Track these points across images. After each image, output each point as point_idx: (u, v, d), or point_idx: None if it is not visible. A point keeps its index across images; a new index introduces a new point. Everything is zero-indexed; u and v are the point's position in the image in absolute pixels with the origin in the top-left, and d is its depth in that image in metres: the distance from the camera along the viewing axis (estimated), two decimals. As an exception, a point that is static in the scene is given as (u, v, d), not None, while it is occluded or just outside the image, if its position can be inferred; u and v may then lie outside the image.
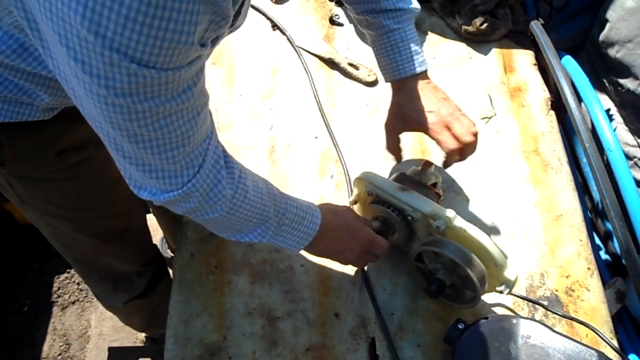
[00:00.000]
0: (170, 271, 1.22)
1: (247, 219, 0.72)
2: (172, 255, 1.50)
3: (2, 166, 0.79)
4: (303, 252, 0.91)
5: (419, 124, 0.86)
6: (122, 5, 0.46)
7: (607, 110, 1.18)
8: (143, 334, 1.60)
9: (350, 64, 1.13)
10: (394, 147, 0.93)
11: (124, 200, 0.97)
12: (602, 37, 1.17)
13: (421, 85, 0.88)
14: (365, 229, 0.82)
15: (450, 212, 0.80)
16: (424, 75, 0.89)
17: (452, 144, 0.84)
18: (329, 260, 0.90)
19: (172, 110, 0.56)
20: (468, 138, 0.84)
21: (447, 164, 0.89)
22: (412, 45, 0.87)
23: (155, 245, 1.24)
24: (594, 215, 1.25)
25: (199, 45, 0.53)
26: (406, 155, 1.03)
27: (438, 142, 0.86)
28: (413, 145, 1.04)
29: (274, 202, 0.74)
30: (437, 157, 1.02)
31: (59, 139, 0.80)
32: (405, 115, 0.88)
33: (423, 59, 0.89)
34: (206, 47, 0.55)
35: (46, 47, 0.56)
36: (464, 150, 0.86)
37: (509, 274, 0.78)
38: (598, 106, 1.02)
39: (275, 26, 1.22)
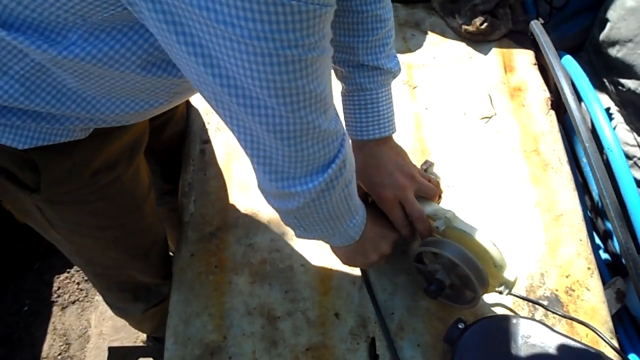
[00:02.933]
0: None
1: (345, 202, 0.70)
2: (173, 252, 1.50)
3: (36, 192, 0.76)
4: (303, 252, 0.92)
5: (373, 195, 0.84)
6: None
7: (607, 109, 1.18)
8: (145, 335, 1.59)
9: (350, 64, 1.13)
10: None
11: (150, 214, 0.96)
12: (602, 36, 1.17)
13: (383, 150, 0.83)
14: (388, 248, 0.83)
15: (450, 213, 0.80)
16: (387, 139, 0.84)
17: (401, 225, 0.82)
18: (328, 260, 0.90)
19: (315, 59, 0.52)
20: (416, 215, 0.81)
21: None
22: (381, 107, 0.82)
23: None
24: (594, 215, 1.25)
25: None
26: (406, 155, 1.03)
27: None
28: (413, 145, 1.04)
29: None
30: (437, 157, 1.02)
31: (94, 159, 0.78)
32: (363, 182, 0.85)
33: (390, 123, 0.83)
34: None
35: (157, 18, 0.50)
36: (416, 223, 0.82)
37: (508, 274, 0.78)
38: (598, 106, 1.02)
39: (275, 26, 1.21)
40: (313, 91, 0.54)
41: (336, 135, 0.63)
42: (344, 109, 0.86)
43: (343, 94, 0.86)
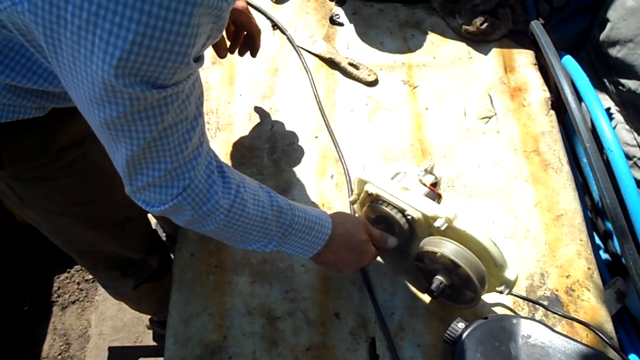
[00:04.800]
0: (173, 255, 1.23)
1: (247, 231, 0.73)
2: (166, 235, 1.50)
3: (1, 169, 0.79)
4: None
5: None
6: (129, 31, 0.48)
7: (607, 109, 1.18)
8: (147, 318, 1.59)
9: (351, 64, 1.13)
10: None
11: (121, 189, 0.97)
12: (602, 36, 1.17)
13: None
14: (370, 250, 0.83)
15: (450, 212, 0.80)
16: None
17: (258, 27, 0.97)
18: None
19: (167, 124, 0.60)
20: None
21: (256, 49, 0.99)
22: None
23: (156, 231, 1.24)
24: (594, 215, 1.25)
25: (194, 61, 0.57)
26: (406, 155, 1.03)
27: (250, 26, 0.95)
28: (413, 145, 1.04)
29: (279, 214, 0.74)
30: (437, 157, 1.02)
31: (58, 136, 0.81)
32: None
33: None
34: (199, 62, 0.59)
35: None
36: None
37: (509, 274, 0.78)
38: (598, 106, 1.02)
39: (275, 26, 1.22)
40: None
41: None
42: None
43: None
